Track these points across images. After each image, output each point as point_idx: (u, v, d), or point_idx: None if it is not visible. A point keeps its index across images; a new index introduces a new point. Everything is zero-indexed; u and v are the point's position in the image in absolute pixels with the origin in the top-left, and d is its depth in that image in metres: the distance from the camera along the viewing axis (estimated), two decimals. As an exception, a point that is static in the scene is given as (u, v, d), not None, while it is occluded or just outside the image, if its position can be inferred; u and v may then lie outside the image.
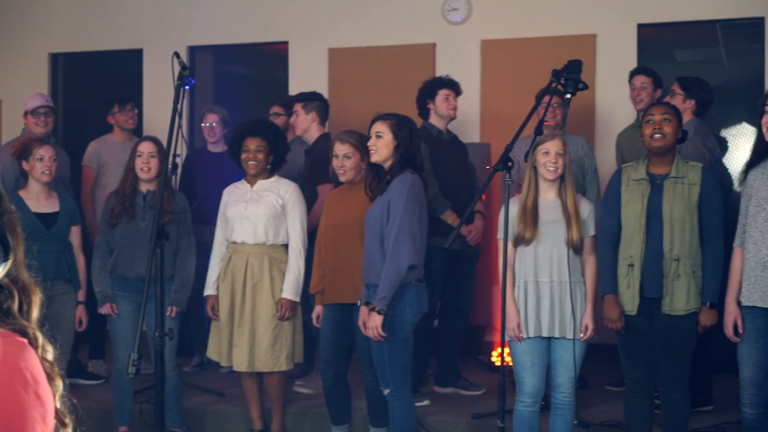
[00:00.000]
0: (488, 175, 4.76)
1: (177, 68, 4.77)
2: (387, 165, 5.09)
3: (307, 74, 8.61)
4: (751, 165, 4.75)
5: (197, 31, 8.87)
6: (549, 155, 4.91)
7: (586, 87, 4.52)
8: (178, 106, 4.70)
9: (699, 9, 7.92)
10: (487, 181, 4.75)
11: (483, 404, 6.14)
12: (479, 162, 7.43)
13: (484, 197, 6.82)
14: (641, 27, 8.04)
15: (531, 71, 7.64)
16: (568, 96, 4.67)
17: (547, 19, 8.13)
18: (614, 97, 7.72)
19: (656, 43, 8.57)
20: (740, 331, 4.68)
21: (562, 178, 4.97)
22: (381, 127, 5.08)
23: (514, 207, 5.02)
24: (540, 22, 8.14)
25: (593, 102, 8.03)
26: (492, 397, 5.67)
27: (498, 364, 6.53)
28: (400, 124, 5.08)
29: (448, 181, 6.38)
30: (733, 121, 9.31)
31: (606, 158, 7.43)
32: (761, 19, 7.79)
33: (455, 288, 6.66)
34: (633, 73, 6.79)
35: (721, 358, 5.81)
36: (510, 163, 4.67)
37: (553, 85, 5.04)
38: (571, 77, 4.42)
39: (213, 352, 5.79)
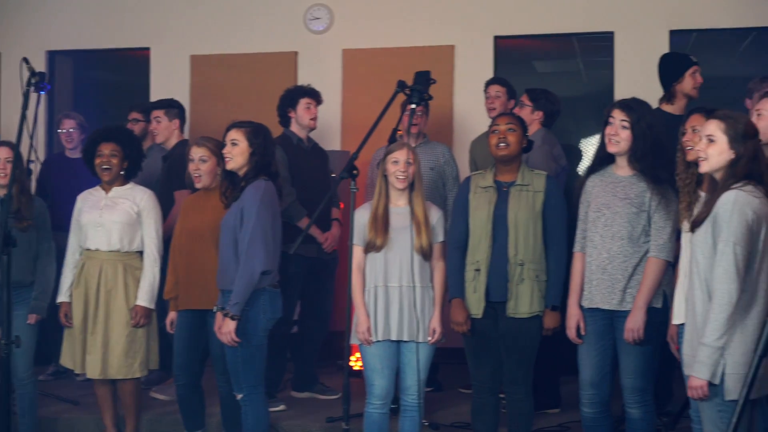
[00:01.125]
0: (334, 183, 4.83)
1: (27, 74, 4.74)
2: (242, 172, 5.14)
3: (168, 81, 8.60)
4: (590, 172, 4.93)
5: (57, 36, 8.78)
6: (398, 164, 5.04)
7: (430, 98, 4.63)
8: (27, 112, 4.66)
9: (553, 22, 8.16)
10: (332, 190, 4.84)
11: (338, 408, 6.11)
12: (340, 169, 7.53)
13: (342, 205, 6.90)
14: (498, 39, 8.25)
15: (391, 80, 7.65)
16: (413, 106, 4.78)
17: (407, 29, 8.28)
18: (471, 106, 7.90)
19: (517, 54, 8.81)
20: (582, 333, 4.86)
21: (411, 186, 5.10)
22: (236, 135, 5.13)
23: (366, 213, 5.13)
24: (400, 32, 8.29)
25: (451, 111, 8.21)
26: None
27: (357, 368, 6.62)
28: (255, 132, 5.14)
29: (308, 189, 6.45)
30: (589, 131, 9.64)
31: (463, 165, 7.60)
32: (611, 33, 8.08)
33: (314, 294, 6.74)
34: (488, 83, 6.98)
35: (568, 360, 6.00)
36: (355, 171, 4.77)
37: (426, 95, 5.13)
38: (416, 88, 4.54)
39: (67, 359, 5.74)
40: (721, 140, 3.93)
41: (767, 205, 3.84)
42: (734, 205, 3.80)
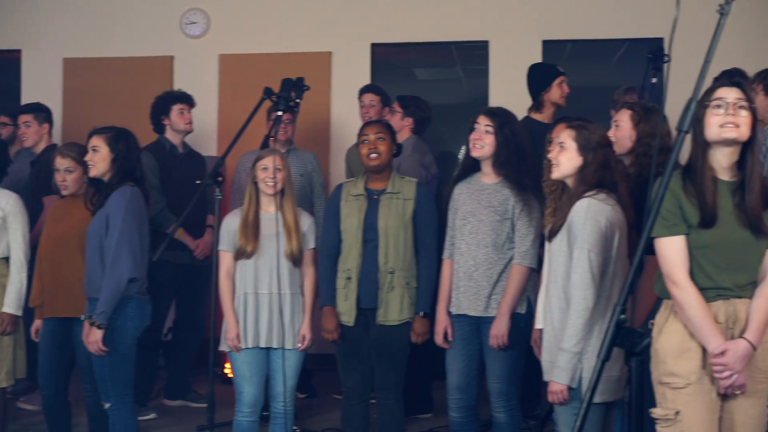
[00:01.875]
0: (199, 189, 4.82)
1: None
2: (106, 178, 5.07)
3: (40, 84, 8.44)
4: (458, 179, 5.00)
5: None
6: (268, 170, 5.03)
7: (296, 105, 4.64)
8: None
9: (430, 31, 8.26)
10: (195, 197, 4.82)
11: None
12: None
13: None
14: (376, 46, 8.30)
15: (267, 86, 7.74)
16: (279, 113, 4.78)
17: (284, 36, 8.29)
18: (348, 113, 7.93)
19: (397, 61, 8.87)
20: (450, 338, 4.91)
21: (282, 192, 5.10)
22: (97, 141, 5.06)
23: (236, 220, 5.11)
24: (278, 38, 8.29)
25: (328, 118, 8.24)
26: (221, 409, 5.70)
27: (231, 376, 6.57)
28: (116, 138, 5.07)
29: (182, 195, 6.39)
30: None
31: (340, 172, 7.64)
32: (486, 42, 8.20)
33: (188, 301, 6.69)
34: (362, 91, 7.02)
35: (441, 366, 6.05)
36: (220, 178, 4.75)
37: (293, 102, 5.13)
38: (282, 95, 4.54)
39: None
40: (571, 147, 4.04)
41: (620, 212, 3.95)
42: (587, 212, 3.89)
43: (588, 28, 8.11)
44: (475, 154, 4.85)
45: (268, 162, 5.04)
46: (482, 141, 4.82)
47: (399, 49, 8.61)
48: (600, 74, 9.69)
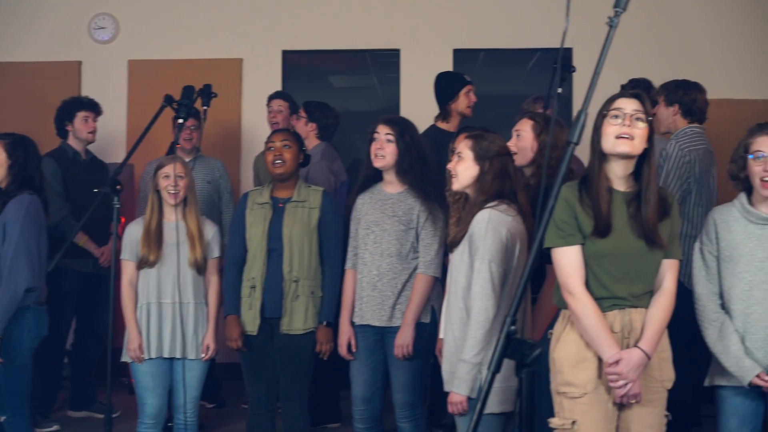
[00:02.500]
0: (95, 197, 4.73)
1: None
2: (3, 185, 4.96)
3: (-57, 88, 8.23)
4: (360, 189, 4.98)
5: None
6: (169, 178, 4.97)
7: (197, 112, 4.57)
8: None
9: (342, 38, 8.24)
10: (93, 205, 4.73)
11: (118, 427, 6.05)
12: (124, 182, 7.38)
13: (123, 219, 6.74)
14: (287, 53, 8.26)
15: (178, 93, 7.65)
16: (180, 121, 4.72)
17: (195, 42, 8.20)
18: (259, 120, 7.86)
19: (312, 69, 8.81)
20: (353, 349, 4.88)
21: (185, 200, 5.04)
22: (-6, 148, 4.96)
23: (139, 228, 5.04)
24: (188, 44, 8.20)
25: (239, 125, 8.17)
26: (127, 420, 5.63)
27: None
28: (14, 144, 4.96)
29: (86, 202, 6.24)
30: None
31: (250, 180, 7.57)
32: (397, 51, 8.21)
33: (90, 310, 6.57)
34: (271, 97, 6.99)
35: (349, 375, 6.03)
36: (119, 186, 4.67)
37: (201, 104, 5.07)
38: (183, 102, 4.48)
39: None
40: (468, 157, 4.04)
41: (520, 222, 3.96)
42: (488, 223, 3.89)
43: (499, 37, 8.16)
44: (377, 164, 4.82)
45: (169, 170, 4.98)
46: (384, 150, 4.80)
47: (314, 56, 8.57)
48: (513, 83, 9.76)
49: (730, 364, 3.88)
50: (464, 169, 4.06)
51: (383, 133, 4.81)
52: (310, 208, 5.08)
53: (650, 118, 3.51)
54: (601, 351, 3.45)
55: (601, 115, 3.52)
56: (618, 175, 3.53)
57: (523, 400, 2.63)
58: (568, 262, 3.49)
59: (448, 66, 7.94)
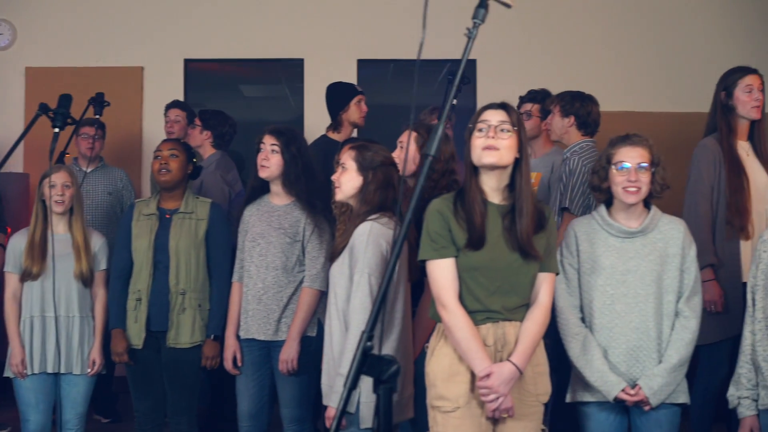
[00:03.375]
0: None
1: None
2: None
3: None
4: (247, 201, 4.92)
5: None
6: (55, 188, 4.86)
7: (74, 121, 4.47)
8: None
9: (246, 47, 8.19)
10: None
11: (4, 444, 5.93)
12: (18, 192, 7.26)
13: (9, 230, 6.60)
14: (189, 62, 8.17)
15: (78, 101, 7.49)
16: (57, 130, 4.62)
17: (94, 49, 8.07)
18: (161, 129, 7.73)
19: (223, 77, 8.71)
20: (239, 363, 4.81)
21: (71, 211, 4.93)
22: None
23: (23, 240, 4.92)
24: (88, 52, 8.07)
25: (141, 133, 8.06)
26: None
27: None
28: None
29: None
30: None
31: (147, 190, 7.48)
32: (301, 60, 8.17)
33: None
34: (168, 107, 6.90)
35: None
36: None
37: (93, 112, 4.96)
38: (59, 111, 4.38)
39: None
40: (351, 168, 4.02)
41: None
42: (369, 236, 3.86)
43: (404, 48, 8.13)
44: (263, 174, 4.77)
45: (55, 179, 4.87)
46: (269, 161, 4.75)
47: (226, 65, 8.48)
48: (424, 94, 9.76)
49: (594, 378, 3.87)
50: (347, 180, 4.03)
51: (269, 143, 4.75)
52: (198, 220, 5.00)
53: (516, 128, 3.50)
54: (473, 365, 3.43)
55: (469, 129, 3.51)
56: (492, 187, 3.51)
57: (381, 417, 2.58)
58: (442, 274, 3.47)
59: (352, 76, 7.92)
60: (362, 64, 8.11)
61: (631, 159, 3.89)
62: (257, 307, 4.75)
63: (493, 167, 3.47)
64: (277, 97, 10.27)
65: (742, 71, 4.96)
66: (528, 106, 5.94)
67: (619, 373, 3.87)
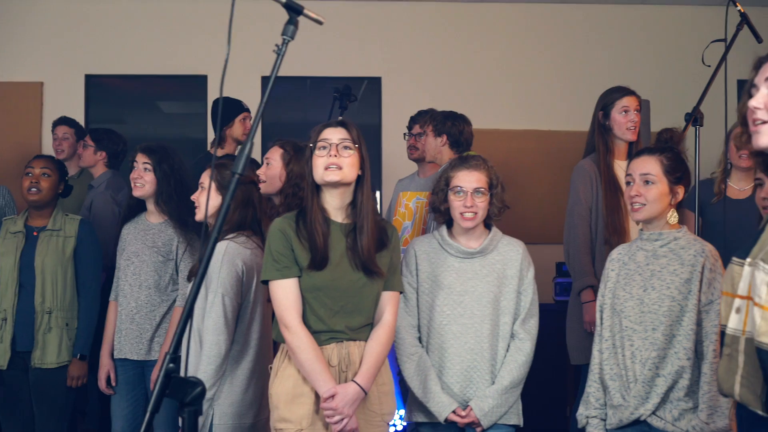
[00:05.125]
0: None
1: None
2: None
3: None
4: (126, 219, 4.83)
5: None
6: None
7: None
8: None
9: (147, 64, 8.07)
10: None
11: None
12: None
13: None
14: (90, 77, 8.04)
15: None
16: None
17: (-5, 64, 7.93)
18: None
19: (140, 93, 8.58)
20: (113, 383, 4.71)
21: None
22: None
23: None
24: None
25: (40, 149, 7.88)
26: None
27: None
28: None
29: None
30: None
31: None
32: (205, 77, 8.09)
33: None
34: (55, 124, 6.77)
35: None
36: None
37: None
38: None
39: None
40: (213, 187, 3.94)
41: (261, 255, 3.85)
42: (224, 255, 3.79)
43: (309, 65, 8.12)
44: (136, 193, 4.70)
45: None
46: (142, 179, 4.68)
47: (145, 81, 8.35)
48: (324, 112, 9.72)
49: (428, 399, 3.82)
50: (204, 199, 3.96)
51: (141, 161, 4.69)
52: (66, 237, 4.90)
53: (357, 145, 3.45)
54: (317, 386, 3.37)
55: (310, 148, 3.46)
56: (335, 206, 3.46)
57: (187, 440, 2.51)
58: (284, 295, 3.40)
59: (255, 92, 7.85)
60: (266, 81, 8.02)
61: (467, 183, 3.84)
62: (130, 326, 4.66)
63: (336, 185, 3.42)
64: (196, 114, 10.17)
65: (620, 92, 4.94)
66: (418, 128, 5.90)
67: (453, 394, 3.83)
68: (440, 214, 3.95)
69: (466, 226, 3.85)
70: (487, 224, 3.96)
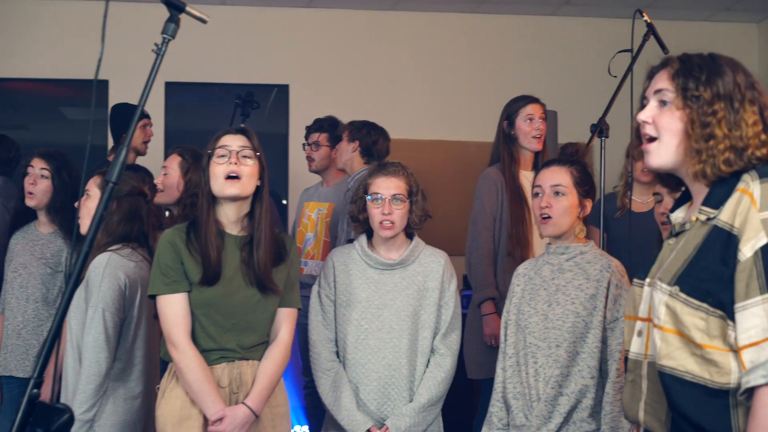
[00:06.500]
0: None
1: None
2: None
3: None
4: (12, 228, 4.62)
5: None
6: None
7: None
8: None
9: (47, 68, 7.84)
10: None
11: None
12: None
13: None
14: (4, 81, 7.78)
15: None
16: None
17: None
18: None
19: (44, 99, 8.30)
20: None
21: None
22: None
23: None
24: None
25: None
26: None
27: None
28: None
29: None
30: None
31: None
32: (107, 82, 7.87)
33: None
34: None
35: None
36: None
37: None
38: None
39: None
40: (96, 195, 3.76)
41: (146, 269, 3.66)
42: (106, 268, 3.59)
43: (213, 72, 7.94)
44: (30, 203, 4.52)
45: None
46: (37, 186, 4.47)
47: (49, 86, 8.08)
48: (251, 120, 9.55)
49: (342, 417, 3.65)
50: (92, 209, 3.75)
51: (38, 167, 4.49)
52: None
53: (258, 154, 3.30)
54: (205, 408, 3.20)
55: (208, 155, 3.29)
56: (230, 218, 3.30)
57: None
58: (172, 311, 3.22)
59: (159, 99, 7.64)
60: (170, 87, 7.84)
61: (385, 190, 3.70)
62: (16, 341, 4.47)
63: (235, 199, 3.25)
64: (101, 121, 9.92)
65: (524, 100, 4.85)
66: (316, 136, 5.74)
67: (369, 411, 3.67)
68: (359, 223, 3.79)
69: (385, 235, 3.70)
70: (410, 234, 3.82)
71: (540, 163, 4.89)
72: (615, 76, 4.56)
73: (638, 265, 2.42)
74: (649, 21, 4.54)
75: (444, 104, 7.99)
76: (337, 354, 3.76)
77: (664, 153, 2.21)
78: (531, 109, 4.80)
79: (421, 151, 7.66)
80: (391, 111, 7.57)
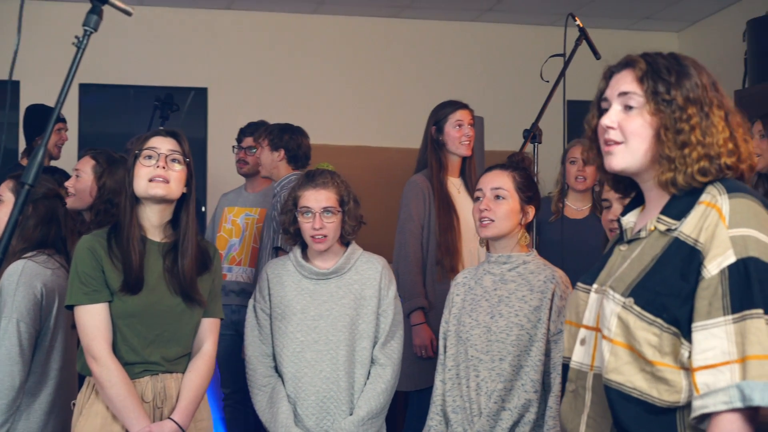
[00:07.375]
0: None
1: None
2: None
3: None
4: None
5: None
6: None
7: None
8: None
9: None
10: None
11: None
12: None
13: None
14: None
15: None
16: None
17: None
18: None
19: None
20: None
21: None
22: None
23: None
24: None
25: None
26: None
27: None
28: None
29: None
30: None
31: None
32: (18, 83, 7.61)
33: None
34: None
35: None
36: None
37: None
38: None
39: None
40: (9, 199, 3.60)
41: (63, 276, 3.47)
42: (20, 276, 3.40)
43: (127, 74, 7.74)
44: None
45: None
46: None
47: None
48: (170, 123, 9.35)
49: None
50: (4, 214, 3.55)
51: None
52: None
53: (188, 160, 3.15)
54: (128, 424, 3.02)
55: (134, 155, 3.12)
56: (153, 223, 3.13)
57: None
58: (93, 322, 3.03)
59: (73, 100, 7.41)
60: (84, 88, 7.60)
61: (315, 203, 3.55)
62: None
63: (160, 200, 3.09)
64: (11, 124, 9.62)
65: (453, 106, 4.76)
66: (249, 140, 5.57)
67: (308, 426, 3.52)
68: (290, 236, 3.65)
69: (318, 249, 3.56)
70: (347, 242, 3.69)
71: (467, 169, 4.81)
72: (547, 81, 4.49)
73: (573, 270, 2.32)
74: (581, 26, 4.48)
75: (366, 109, 7.91)
76: (276, 369, 3.62)
77: (629, 157, 2.11)
78: (460, 114, 4.71)
79: (342, 157, 7.51)
80: (312, 116, 7.43)
